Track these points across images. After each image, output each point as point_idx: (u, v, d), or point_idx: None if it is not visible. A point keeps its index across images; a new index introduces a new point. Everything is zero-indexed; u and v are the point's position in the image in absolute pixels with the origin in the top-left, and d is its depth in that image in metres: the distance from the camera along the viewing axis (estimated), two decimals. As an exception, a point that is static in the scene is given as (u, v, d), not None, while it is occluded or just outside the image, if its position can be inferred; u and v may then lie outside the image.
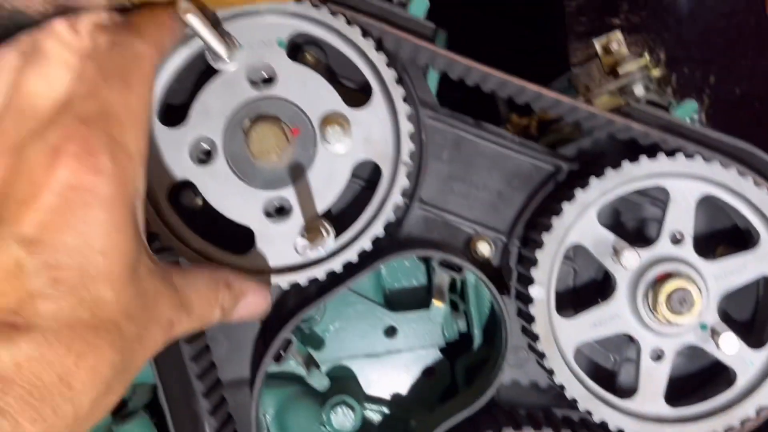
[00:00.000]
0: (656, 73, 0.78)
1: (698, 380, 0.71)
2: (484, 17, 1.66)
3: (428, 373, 0.75)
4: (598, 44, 0.78)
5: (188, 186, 0.63)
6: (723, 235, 0.71)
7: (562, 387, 0.64)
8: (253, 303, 0.56)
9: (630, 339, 0.68)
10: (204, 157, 0.63)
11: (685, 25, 1.65)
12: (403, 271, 0.76)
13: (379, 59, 0.62)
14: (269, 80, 0.63)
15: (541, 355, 0.65)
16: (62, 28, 0.43)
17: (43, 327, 0.36)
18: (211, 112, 0.61)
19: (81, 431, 0.38)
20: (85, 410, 0.37)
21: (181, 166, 0.61)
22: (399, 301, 0.76)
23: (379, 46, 0.65)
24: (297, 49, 0.67)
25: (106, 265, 0.38)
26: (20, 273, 0.36)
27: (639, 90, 0.74)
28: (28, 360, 0.34)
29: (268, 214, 0.63)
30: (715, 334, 0.64)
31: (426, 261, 0.77)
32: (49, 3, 0.44)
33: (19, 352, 0.34)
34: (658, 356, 0.65)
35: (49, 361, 0.35)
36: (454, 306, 0.77)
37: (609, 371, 0.71)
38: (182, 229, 0.62)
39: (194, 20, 0.52)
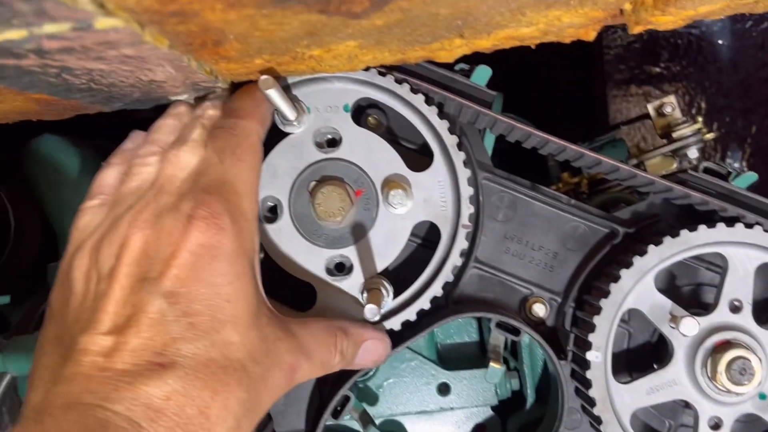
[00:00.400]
0: (710, 136, 0.79)
1: (756, 449, 0.70)
2: (523, 66, 1.68)
3: (479, 430, 0.75)
4: (651, 107, 0.80)
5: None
6: (781, 302, 0.71)
7: (618, 453, 0.64)
8: (373, 349, 0.61)
9: (686, 405, 0.68)
10: (269, 215, 0.65)
11: (725, 74, 1.66)
12: (455, 327, 0.77)
13: (442, 125, 0.64)
14: (334, 143, 0.65)
15: (597, 420, 0.65)
16: (195, 122, 0.54)
17: (185, 365, 0.42)
18: (279, 173, 0.64)
19: None
20: None
21: (248, 225, 0.64)
22: (451, 357, 0.77)
23: (441, 111, 0.67)
24: (359, 111, 0.70)
25: (232, 310, 0.45)
26: (163, 321, 0.42)
27: (693, 153, 0.75)
28: (174, 393, 0.40)
29: (329, 272, 0.65)
30: (774, 404, 0.63)
31: (479, 319, 0.78)
32: (176, 89, 0.53)
33: (167, 387, 0.40)
34: (716, 425, 0.65)
35: (191, 395, 0.41)
36: (505, 363, 0.78)
37: (664, 437, 0.71)
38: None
39: (275, 95, 0.54)
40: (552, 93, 1.75)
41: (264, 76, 0.53)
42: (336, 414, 0.66)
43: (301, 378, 0.52)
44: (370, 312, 0.55)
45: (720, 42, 1.66)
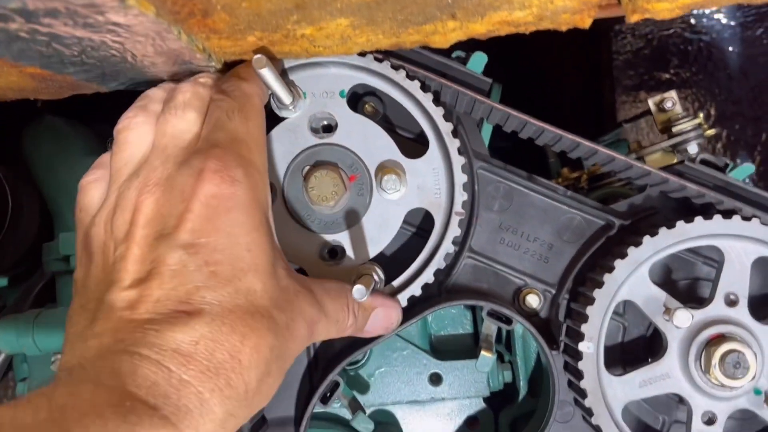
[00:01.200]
0: (710, 132, 0.78)
1: (751, 447, 0.69)
2: (532, 70, 1.68)
3: (472, 423, 0.75)
4: (651, 102, 0.79)
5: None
6: (779, 298, 0.70)
7: (609, 446, 0.63)
8: (385, 316, 0.61)
9: (680, 400, 0.67)
10: (264, 199, 0.65)
11: (735, 82, 1.65)
12: (449, 318, 0.76)
13: (437, 112, 0.64)
14: (329, 128, 0.65)
15: (588, 412, 0.64)
16: (188, 85, 0.53)
17: (211, 312, 0.42)
18: (273, 157, 0.64)
19: (249, 409, 0.43)
20: (253, 386, 0.42)
21: (242, 208, 0.64)
22: (444, 348, 0.76)
23: (437, 99, 0.67)
24: (356, 98, 0.70)
25: (252, 258, 0.45)
26: (184, 271, 0.43)
27: (693, 148, 0.75)
28: (203, 338, 0.40)
29: (322, 257, 0.65)
30: (769, 400, 0.62)
31: (472, 309, 0.77)
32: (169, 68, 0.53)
33: (195, 333, 0.40)
34: (709, 419, 0.64)
35: (220, 340, 0.41)
36: (499, 356, 0.77)
37: (657, 432, 0.70)
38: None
39: (268, 74, 0.55)
40: (561, 99, 1.75)
41: (257, 55, 0.54)
42: (325, 399, 0.66)
43: (319, 335, 0.52)
44: (358, 293, 0.55)
45: (730, 49, 1.65)
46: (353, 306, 0.57)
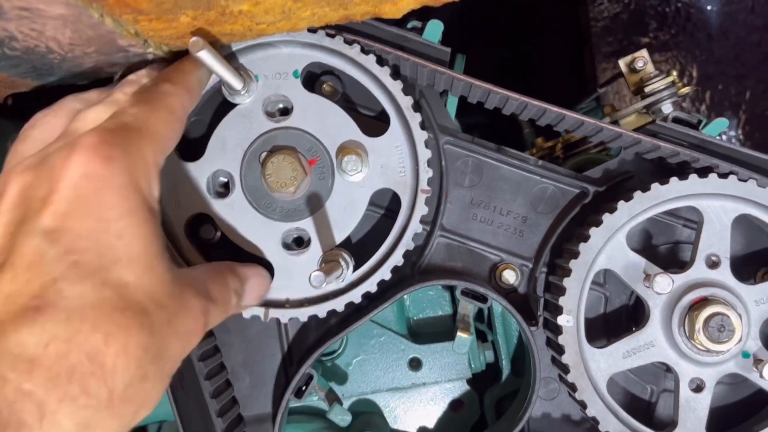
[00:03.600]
0: (685, 90, 0.75)
1: (742, 411, 0.67)
2: (514, 44, 1.65)
3: (456, 406, 0.72)
4: (622, 63, 0.76)
5: (206, 219, 0.62)
6: (764, 258, 0.68)
7: (595, 420, 0.61)
8: (256, 284, 0.57)
9: (667, 369, 0.65)
10: (221, 190, 0.63)
11: (716, 41, 1.62)
12: (427, 301, 0.74)
13: (395, 86, 0.62)
14: (286, 111, 0.62)
15: (572, 387, 0.62)
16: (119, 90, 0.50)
17: (68, 307, 0.36)
18: (228, 146, 0.61)
19: (117, 420, 0.37)
20: (119, 392, 0.37)
21: (198, 200, 0.61)
22: (424, 332, 0.74)
23: (396, 74, 0.64)
24: (314, 79, 0.67)
25: (125, 248, 0.40)
26: (41, 261, 0.37)
27: (667, 108, 0.72)
28: (54, 340, 0.35)
29: (286, 246, 0.62)
30: (758, 362, 0.60)
31: (451, 291, 0.75)
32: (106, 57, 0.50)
33: (44, 333, 0.35)
34: (697, 386, 0.62)
35: (76, 341, 0.35)
36: (482, 337, 0.75)
37: (646, 403, 0.68)
38: (200, 262, 0.62)
39: (206, 56, 0.51)
40: (543, 71, 1.72)
41: (194, 38, 0.51)
42: (300, 393, 0.63)
43: (212, 323, 0.48)
44: (316, 279, 0.52)
45: (709, 8, 1.62)
46: (234, 285, 0.53)
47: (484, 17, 1.54)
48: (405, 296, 0.73)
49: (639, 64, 0.75)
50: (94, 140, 0.41)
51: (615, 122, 0.77)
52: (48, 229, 0.38)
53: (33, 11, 0.38)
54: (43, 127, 0.48)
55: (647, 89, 0.73)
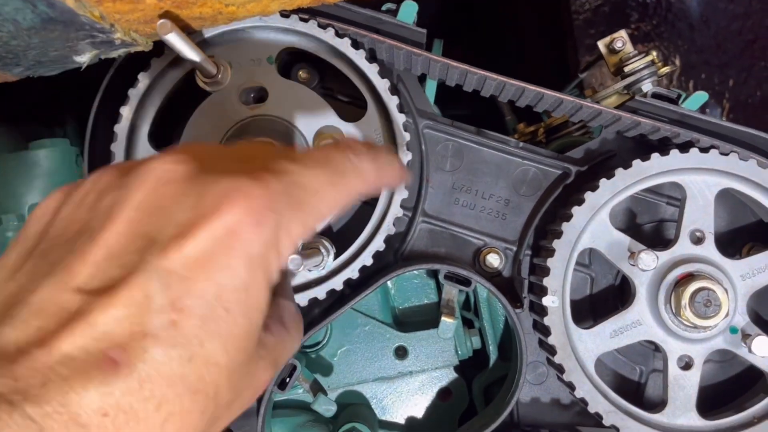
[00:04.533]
0: (665, 69, 0.75)
1: (732, 388, 0.66)
2: (495, 39, 1.65)
3: (444, 394, 0.71)
4: (602, 44, 0.76)
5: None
6: (749, 233, 0.67)
7: (584, 402, 0.60)
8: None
9: (656, 348, 0.64)
10: (197, 180, 0.61)
11: (698, 31, 1.62)
12: (412, 289, 0.73)
13: (371, 69, 0.61)
14: (261, 99, 0.61)
15: (559, 369, 0.61)
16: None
17: (143, 374, 0.31)
18: (203, 134, 0.60)
19: None
20: None
21: (173, 190, 0.60)
22: (410, 321, 0.73)
23: (372, 57, 0.63)
24: (290, 65, 0.66)
25: (227, 323, 0.35)
26: (144, 305, 0.32)
27: (647, 87, 0.71)
28: (115, 409, 0.30)
29: (265, 235, 0.61)
30: (746, 337, 0.59)
31: (436, 278, 0.74)
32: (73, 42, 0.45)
33: (110, 398, 0.30)
34: (686, 364, 0.61)
35: (136, 417, 0.31)
36: (469, 323, 0.74)
37: (635, 383, 0.67)
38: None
39: (175, 39, 0.50)
40: (526, 62, 1.72)
41: (161, 21, 0.50)
42: (283, 385, 0.62)
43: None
44: (293, 262, 0.51)
45: (689, -3, 1.63)
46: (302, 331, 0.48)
47: (464, 9, 1.54)
48: (389, 285, 0.72)
49: (618, 45, 0.74)
50: (256, 197, 0.35)
51: (596, 103, 0.76)
52: (168, 272, 0.33)
53: (-13, -12, 0.37)
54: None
55: (627, 69, 0.72)
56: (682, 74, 1.59)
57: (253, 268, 0.35)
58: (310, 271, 0.60)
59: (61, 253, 0.35)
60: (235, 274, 0.35)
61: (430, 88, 0.72)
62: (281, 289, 0.45)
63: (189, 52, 0.53)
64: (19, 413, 0.28)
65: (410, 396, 0.71)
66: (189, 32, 0.57)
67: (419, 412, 0.71)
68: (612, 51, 0.76)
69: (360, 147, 0.43)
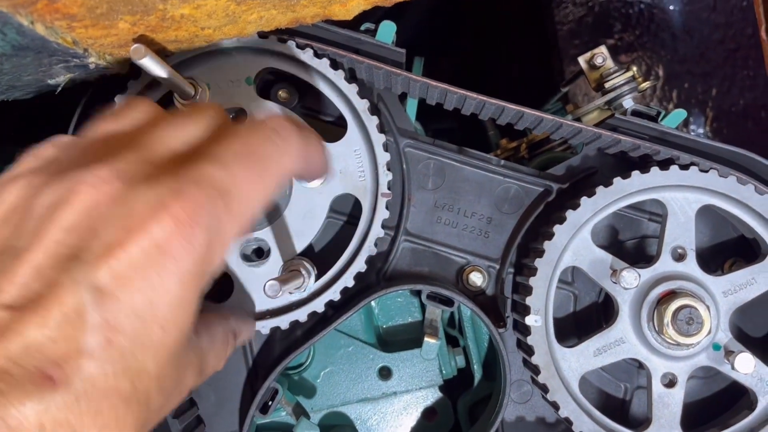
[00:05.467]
0: (645, 85, 0.75)
1: (716, 405, 0.66)
2: (479, 51, 1.66)
3: (429, 414, 0.71)
4: (582, 60, 0.76)
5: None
6: (731, 249, 0.67)
7: (568, 421, 0.60)
8: (245, 338, 0.55)
9: (640, 365, 0.64)
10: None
11: (680, 41, 1.63)
12: (396, 309, 0.72)
13: (350, 89, 0.60)
14: (240, 120, 0.61)
15: (543, 389, 0.60)
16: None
17: (79, 390, 0.32)
18: (181, 156, 0.59)
19: None
20: None
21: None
22: (394, 340, 0.72)
23: (352, 77, 0.63)
24: (269, 86, 0.65)
25: (161, 338, 0.36)
26: (77, 323, 0.33)
27: (628, 103, 0.72)
28: (52, 424, 0.31)
29: (245, 258, 0.61)
30: (729, 353, 0.59)
31: (419, 296, 0.73)
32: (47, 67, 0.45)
33: (46, 414, 0.31)
34: (670, 381, 0.61)
35: (72, 429, 0.32)
36: (454, 342, 0.74)
37: (620, 401, 0.67)
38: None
39: (150, 63, 0.50)
40: (510, 75, 1.73)
41: (135, 45, 0.49)
42: (265, 409, 0.61)
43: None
44: (271, 289, 0.50)
45: (671, 8, 1.64)
46: (229, 350, 0.50)
47: (447, 23, 1.54)
48: (373, 304, 0.72)
49: (598, 60, 0.75)
50: (184, 212, 0.35)
51: (578, 119, 0.76)
52: (99, 288, 0.33)
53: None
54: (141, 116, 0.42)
55: (607, 85, 0.72)
56: (665, 84, 1.60)
57: (185, 283, 0.36)
58: (291, 293, 0.59)
59: None
60: (168, 290, 0.35)
61: (411, 106, 0.71)
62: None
63: (164, 74, 0.53)
64: None
65: (395, 416, 0.70)
66: (165, 55, 0.57)
67: (404, 433, 0.71)
68: (593, 66, 0.76)
69: (281, 122, 0.43)
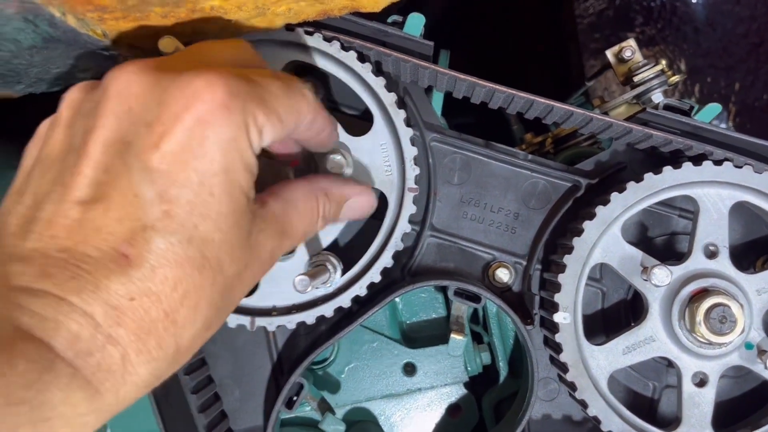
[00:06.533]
0: (675, 78, 0.74)
1: (748, 405, 0.65)
2: (498, 43, 1.64)
3: (453, 411, 0.70)
4: (610, 53, 0.75)
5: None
6: (763, 246, 0.66)
7: (597, 420, 0.59)
8: (358, 204, 0.55)
9: (669, 364, 0.63)
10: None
11: (703, 34, 1.61)
12: (420, 304, 0.72)
13: (377, 83, 0.60)
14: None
15: (571, 387, 0.60)
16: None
17: (153, 262, 0.36)
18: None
19: (175, 367, 0.39)
20: (185, 345, 0.38)
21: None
22: (418, 336, 0.72)
23: (378, 70, 0.62)
24: (294, 79, 0.65)
25: (214, 204, 0.39)
26: (137, 202, 0.37)
27: (657, 97, 0.70)
28: (140, 294, 0.35)
29: (271, 252, 0.60)
30: (762, 353, 0.58)
31: (444, 292, 0.73)
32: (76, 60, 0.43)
33: (132, 286, 0.35)
34: (701, 381, 0.60)
35: (158, 297, 0.36)
36: (478, 338, 0.73)
37: (648, 400, 0.66)
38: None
39: None
40: (528, 69, 1.71)
41: (165, 37, 0.49)
42: (290, 404, 0.61)
43: (280, 255, 0.47)
44: (300, 284, 0.50)
45: (694, 1, 1.62)
46: (323, 210, 0.51)
47: (466, 16, 1.53)
48: (397, 300, 0.71)
49: (627, 54, 0.73)
50: (221, 84, 0.38)
51: (605, 114, 0.75)
52: (150, 168, 0.37)
53: (-13, 10, 0.36)
54: None
55: (636, 79, 0.71)
56: (687, 78, 1.58)
57: (228, 151, 0.39)
58: (317, 288, 0.59)
59: (54, 172, 0.39)
60: (212, 160, 0.38)
61: (437, 99, 0.71)
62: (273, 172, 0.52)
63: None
64: (66, 303, 0.34)
65: (419, 413, 0.69)
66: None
67: (428, 429, 0.70)
68: (621, 60, 0.75)
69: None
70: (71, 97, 0.42)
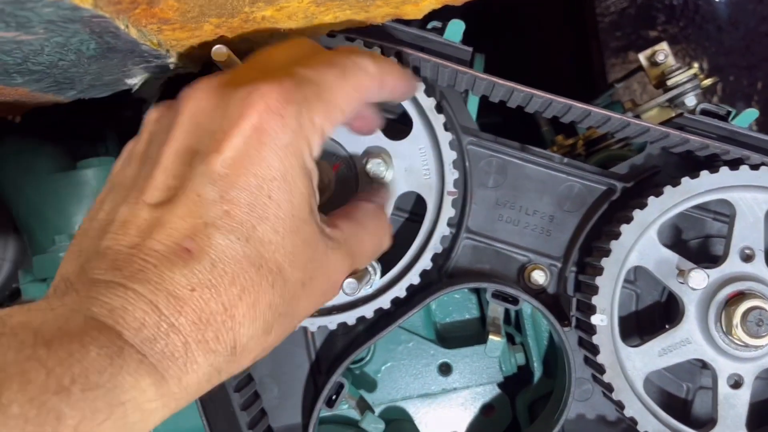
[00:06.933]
0: (707, 82, 0.74)
1: (782, 406, 0.65)
2: (515, 40, 1.64)
3: (487, 410, 0.71)
4: (642, 56, 0.75)
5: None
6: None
7: (633, 421, 0.60)
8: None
9: (704, 365, 0.64)
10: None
11: (726, 32, 1.60)
12: (453, 304, 0.73)
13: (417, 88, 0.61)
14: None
15: (608, 388, 0.61)
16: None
17: (213, 256, 0.38)
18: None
19: (236, 366, 0.40)
20: (243, 343, 0.39)
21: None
22: (451, 336, 0.73)
23: (417, 74, 0.63)
24: (333, 84, 0.66)
25: (274, 209, 0.41)
26: (199, 201, 0.39)
27: (691, 101, 0.71)
28: (199, 285, 0.37)
29: (312, 254, 0.62)
30: (798, 356, 0.59)
31: (477, 292, 0.74)
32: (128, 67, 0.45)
33: (193, 278, 0.37)
34: (736, 383, 0.61)
35: (217, 290, 0.38)
36: (510, 338, 0.74)
37: (682, 400, 0.67)
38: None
39: (231, 64, 0.51)
40: (549, 67, 1.71)
41: (217, 46, 0.50)
42: (330, 403, 0.62)
43: (348, 275, 0.50)
44: (349, 287, 0.51)
45: (717, -1, 1.61)
46: (388, 228, 0.54)
47: (485, 17, 1.53)
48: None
49: (660, 57, 0.74)
50: (274, 92, 0.41)
51: (637, 117, 0.76)
52: (213, 172, 0.39)
53: (58, 23, 0.37)
54: None
55: (670, 82, 0.72)
56: (710, 76, 1.57)
57: (285, 156, 0.41)
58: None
59: (132, 181, 0.43)
60: (270, 165, 0.41)
61: (473, 103, 0.71)
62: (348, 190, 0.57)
63: (241, 75, 0.53)
64: (132, 291, 0.36)
65: (453, 412, 0.71)
66: (239, 53, 0.58)
67: (462, 428, 0.71)
68: (653, 63, 0.75)
69: (357, 50, 0.51)
70: (150, 118, 0.45)
